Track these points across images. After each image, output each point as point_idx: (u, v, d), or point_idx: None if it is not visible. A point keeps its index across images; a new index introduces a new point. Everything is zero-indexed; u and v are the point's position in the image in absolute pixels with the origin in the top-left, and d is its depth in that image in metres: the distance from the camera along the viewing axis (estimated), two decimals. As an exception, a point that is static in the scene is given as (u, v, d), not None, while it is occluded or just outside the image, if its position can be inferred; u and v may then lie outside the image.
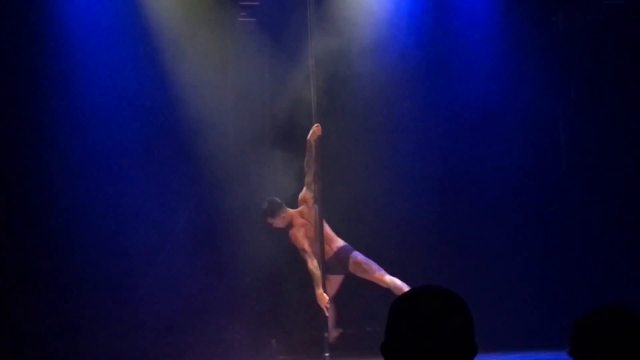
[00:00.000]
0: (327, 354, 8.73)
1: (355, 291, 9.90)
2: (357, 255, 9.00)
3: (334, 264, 9.01)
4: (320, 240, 8.81)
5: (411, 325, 1.96)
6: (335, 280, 9.14)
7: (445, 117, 10.40)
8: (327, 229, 9.03)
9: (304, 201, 9.00)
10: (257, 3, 10.22)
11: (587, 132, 10.56)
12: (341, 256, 9.00)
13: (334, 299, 9.09)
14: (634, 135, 10.45)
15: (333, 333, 8.91)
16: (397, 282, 8.68)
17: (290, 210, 9.01)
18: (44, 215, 9.72)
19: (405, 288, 8.49)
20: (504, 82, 10.48)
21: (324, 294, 8.63)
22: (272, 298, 10.03)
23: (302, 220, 9.01)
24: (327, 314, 8.68)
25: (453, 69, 10.42)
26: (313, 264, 8.74)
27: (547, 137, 10.65)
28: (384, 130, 10.08)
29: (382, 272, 8.82)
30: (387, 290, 8.72)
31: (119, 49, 9.84)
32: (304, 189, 8.97)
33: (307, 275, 9.19)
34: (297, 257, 9.10)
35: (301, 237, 8.86)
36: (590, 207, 10.48)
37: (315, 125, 8.79)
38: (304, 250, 8.81)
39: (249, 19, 10.23)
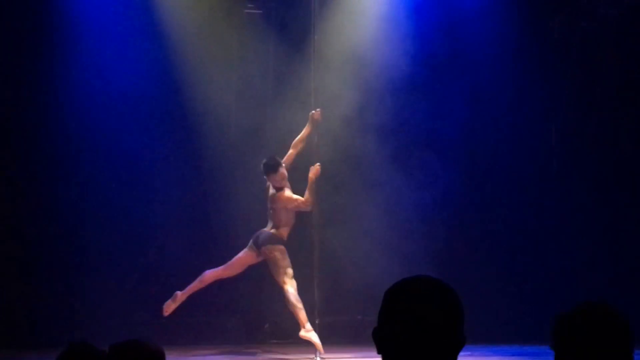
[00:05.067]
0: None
1: (346, 280, 10.08)
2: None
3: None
4: None
5: (403, 313, 1.98)
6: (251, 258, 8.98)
7: (438, 117, 10.47)
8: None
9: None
10: (263, -5, 10.28)
11: (579, 136, 10.66)
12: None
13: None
14: (625, 140, 10.56)
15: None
16: (292, 297, 8.57)
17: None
18: (35, 202, 9.96)
19: (297, 306, 8.51)
20: (498, 86, 10.57)
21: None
22: (266, 283, 10.00)
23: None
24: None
25: (448, 75, 10.46)
26: None
27: (539, 140, 10.74)
28: (386, 121, 10.11)
29: (286, 279, 8.66)
30: (379, 280, 8.68)
31: (126, 41, 9.93)
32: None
33: (300, 259, 9.24)
34: (291, 243, 9.12)
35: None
36: (578, 205, 10.56)
37: (317, 165, 8.74)
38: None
39: (255, 11, 10.31)
